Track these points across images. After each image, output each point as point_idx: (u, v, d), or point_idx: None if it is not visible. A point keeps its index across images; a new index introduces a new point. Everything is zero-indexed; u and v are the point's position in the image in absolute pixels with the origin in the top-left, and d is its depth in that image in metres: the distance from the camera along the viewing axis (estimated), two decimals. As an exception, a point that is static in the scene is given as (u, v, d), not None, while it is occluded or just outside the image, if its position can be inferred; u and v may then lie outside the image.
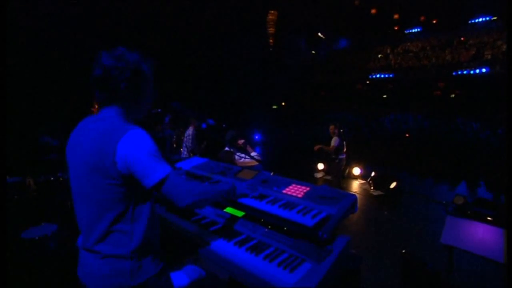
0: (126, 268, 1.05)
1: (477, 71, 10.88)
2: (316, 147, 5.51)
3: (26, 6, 6.88)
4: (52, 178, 3.92)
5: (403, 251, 2.96)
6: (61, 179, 3.89)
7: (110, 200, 1.05)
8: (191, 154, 5.07)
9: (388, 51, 15.57)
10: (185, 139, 5.33)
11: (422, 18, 15.80)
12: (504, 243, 1.89)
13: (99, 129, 1.07)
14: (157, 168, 1.04)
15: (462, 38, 13.14)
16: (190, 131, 5.29)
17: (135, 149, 1.02)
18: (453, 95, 10.92)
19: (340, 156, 5.44)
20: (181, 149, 5.49)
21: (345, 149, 5.51)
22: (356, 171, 6.86)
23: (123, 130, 1.04)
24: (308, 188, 1.54)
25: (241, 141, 3.52)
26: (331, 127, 5.43)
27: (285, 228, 1.37)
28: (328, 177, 6.79)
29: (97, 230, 1.07)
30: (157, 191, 1.06)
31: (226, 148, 3.44)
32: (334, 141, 5.27)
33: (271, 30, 14.13)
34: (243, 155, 3.22)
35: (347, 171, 6.88)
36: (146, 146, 1.04)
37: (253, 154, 3.32)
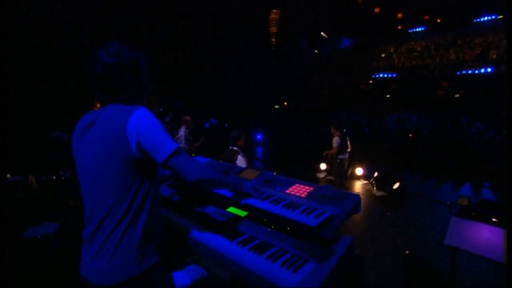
0: (130, 258, 1.06)
1: (482, 70, 10.73)
2: (325, 153, 5.71)
3: (32, 6, 6.93)
4: (54, 177, 3.93)
5: (407, 252, 2.93)
6: (63, 177, 3.90)
7: (119, 189, 1.06)
8: None
9: (392, 50, 15.46)
10: (178, 140, 5.08)
11: (426, 17, 15.67)
12: (504, 244, 1.87)
13: (108, 116, 1.09)
14: (167, 141, 1.07)
15: (467, 38, 13.01)
16: (181, 131, 5.07)
17: (145, 125, 1.05)
18: (457, 95, 10.80)
19: (341, 156, 5.43)
20: None
21: (349, 149, 5.50)
22: (359, 171, 6.83)
23: (131, 110, 1.07)
24: (311, 188, 1.52)
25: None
26: (333, 127, 5.44)
27: (288, 228, 1.35)
28: (331, 177, 6.77)
29: (104, 221, 1.07)
30: (169, 166, 1.08)
31: (230, 147, 3.47)
32: (335, 142, 5.30)
33: (274, 29, 14.10)
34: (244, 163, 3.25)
35: (349, 171, 6.85)
36: (155, 122, 1.07)
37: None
